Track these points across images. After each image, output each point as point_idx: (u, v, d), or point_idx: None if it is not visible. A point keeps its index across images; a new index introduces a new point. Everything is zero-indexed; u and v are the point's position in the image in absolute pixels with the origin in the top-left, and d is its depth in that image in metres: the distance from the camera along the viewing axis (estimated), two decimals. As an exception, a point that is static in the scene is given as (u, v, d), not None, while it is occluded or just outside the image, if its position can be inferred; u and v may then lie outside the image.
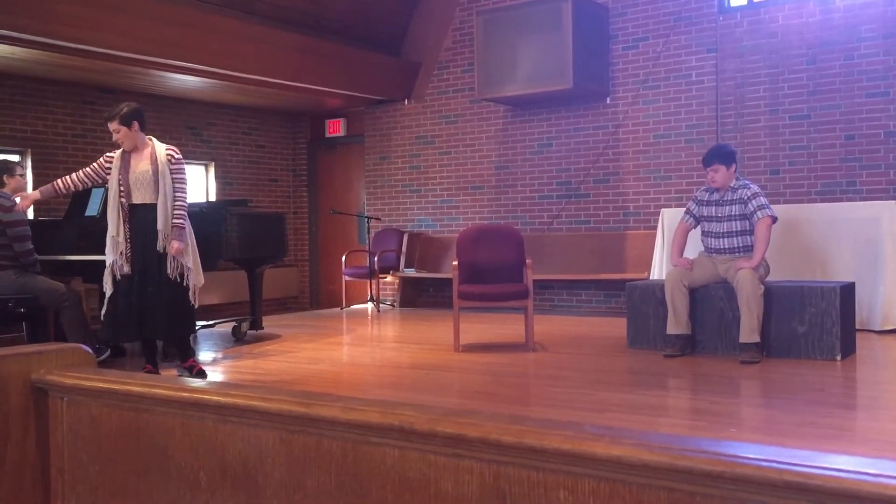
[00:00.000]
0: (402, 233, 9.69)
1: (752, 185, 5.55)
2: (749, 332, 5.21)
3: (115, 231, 4.86)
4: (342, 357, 6.24)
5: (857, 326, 5.75)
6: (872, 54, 7.07)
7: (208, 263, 6.05)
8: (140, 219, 4.91)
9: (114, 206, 4.91)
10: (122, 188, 4.90)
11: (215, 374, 5.46)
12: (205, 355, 6.18)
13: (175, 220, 4.88)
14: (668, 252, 7.10)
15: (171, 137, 9.49)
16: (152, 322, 4.91)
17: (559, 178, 8.73)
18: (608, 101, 8.39)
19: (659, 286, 5.82)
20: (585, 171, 8.54)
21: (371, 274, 9.12)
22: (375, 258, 9.07)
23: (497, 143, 9.14)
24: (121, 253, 4.84)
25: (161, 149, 5.01)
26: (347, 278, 9.46)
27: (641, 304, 5.87)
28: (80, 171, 5.14)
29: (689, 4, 7.91)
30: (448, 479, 1.28)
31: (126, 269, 4.85)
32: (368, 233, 9.46)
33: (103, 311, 4.92)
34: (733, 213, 5.49)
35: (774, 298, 5.37)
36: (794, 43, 7.41)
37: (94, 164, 5.10)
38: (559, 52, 7.91)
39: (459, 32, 9.38)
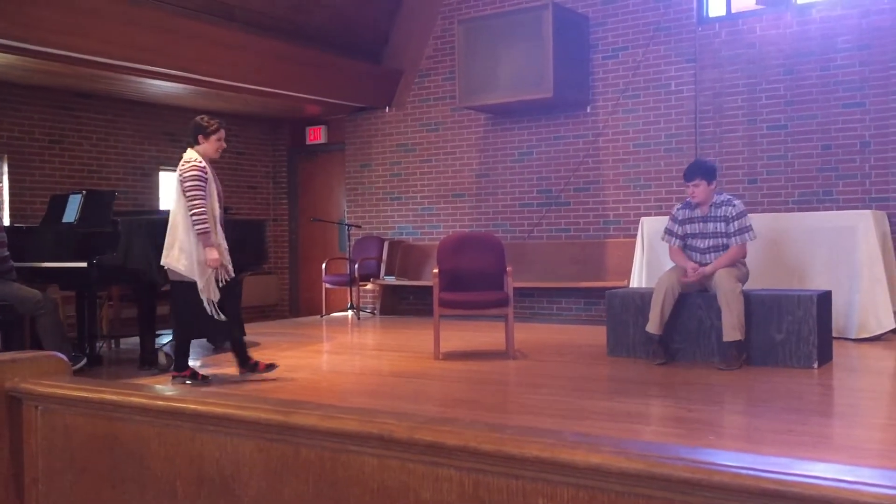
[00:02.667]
0: (383, 240, 9.67)
1: (736, 203, 5.57)
2: (731, 329, 5.25)
3: (221, 239, 4.99)
4: (322, 365, 6.21)
5: (834, 334, 5.80)
6: (848, 65, 7.16)
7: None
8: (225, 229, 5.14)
9: (213, 217, 4.92)
10: (219, 199, 5.03)
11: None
12: (183, 363, 6.12)
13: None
14: (648, 260, 7.15)
15: (149, 143, 9.44)
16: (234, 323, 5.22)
17: (540, 187, 8.76)
18: (588, 110, 8.44)
19: (639, 294, 5.84)
20: (566, 179, 8.57)
21: (351, 281, 9.09)
22: (356, 266, 9.04)
23: (478, 151, 9.16)
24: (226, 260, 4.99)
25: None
26: (327, 286, 9.43)
27: (621, 312, 5.89)
28: (201, 196, 4.84)
29: (669, 15, 7.97)
30: (427, 488, 1.28)
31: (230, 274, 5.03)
32: (349, 240, 9.44)
33: (209, 315, 4.93)
34: (718, 231, 5.53)
35: (753, 306, 5.41)
36: (772, 54, 7.49)
37: (199, 181, 4.87)
38: (540, 61, 7.94)
39: (441, 41, 9.40)
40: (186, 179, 4.85)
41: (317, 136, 10.58)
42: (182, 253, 4.89)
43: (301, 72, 8.69)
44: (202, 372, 5.34)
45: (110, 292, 7.07)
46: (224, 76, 8.04)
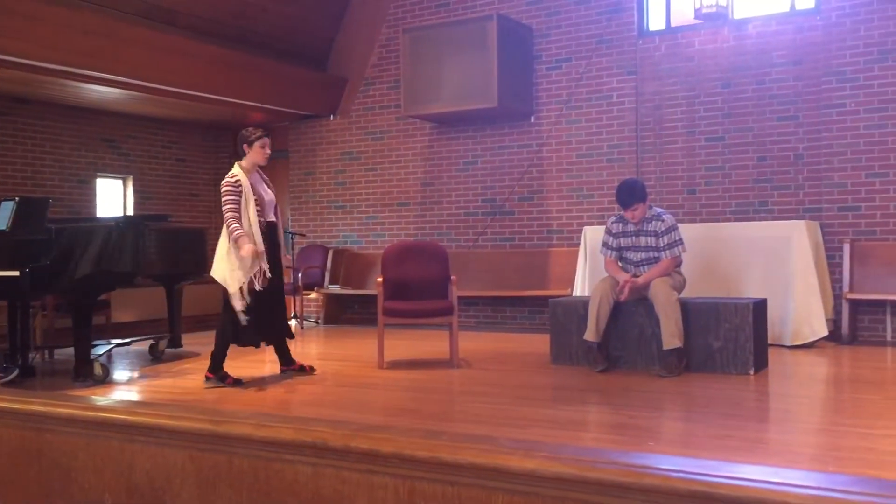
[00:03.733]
0: (327, 249, 9.60)
1: (666, 217, 5.67)
2: (670, 337, 5.34)
3: (262, 246, 5.20)
4: (264, 375, 6.12)
5: (770, 341, 5.94)
6: (783, 79, 7.37)
7: (126, 280, 5.88)
8: (268, 235, 5.33)
9: (255, 223, 5.19)
10: (258, 206, 5.25)
11: (130, 394, 5.28)
12: (120, 374, 5.98)
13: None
14: (590, 269, 7.23)
15: (86, 150, 9.22)
16: (281, 324, 5.54)
17: (484, 196, 8.80)
18: (532, 121, 8.52)
19: (581, 303, 5.90)
20: (510, 188, 8.63)
21: (295, 290, 8.99)
22: (300, 274, 8.95)
23: (423, 160, 9.17)
24: (260, 266, 5.20)
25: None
26: (271, 295, 9.30)
27: (564, 320, 5.95)
28: (233, 209, 5.16)
29: (611, 28, 8.10)
30: (362, 496, 1.26)
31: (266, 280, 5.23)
32: (293, 249, 9.34)
33: (242, 319, 5.15)
34: (649, 245, 5.65)
35: (691, 314, 5.51)
36: (710, 67, 7.67)
37: (231, 195, 5.19)
38: (484, 71, 7.99)
39: (386, 49, 9.40)
40: (222, 196, 5.25)
41: (260, 143, 10.45)
42: (218, 262, 5.23)
43: (244, 78, 8.59)
44: (237, 375, 5.48)
45: (44, 302, 6.87)
46: (166, 82, 7.90)
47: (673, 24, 7.98)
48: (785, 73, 7.36)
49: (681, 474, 0.95)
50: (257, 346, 5.58)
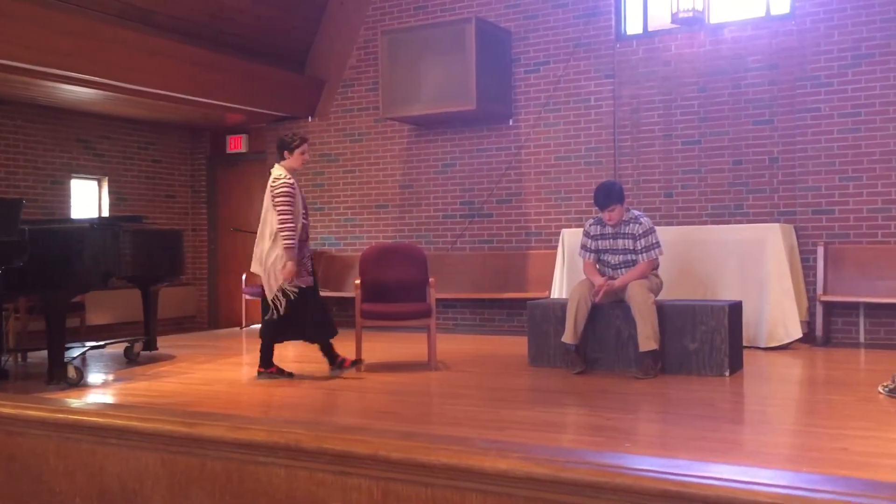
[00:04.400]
0: (305, 251, 9.55)
1: (643, 220, 5.71)
2: (645, 339, 5.37)
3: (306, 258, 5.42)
4: (241, 378, 6.08)
5: (745, 343, 6.00)
6: (758, 84, 7.44)
7: (100, 282, 5.83)
8: (306, 237, 5.52)
9: (298, 227, 5.36)
10: (304, 210, 5.42)
11: (104, 397, 5.23)
12: (94, 377, 5.92)
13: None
14: (568, 271, 7.26)
15: (61, 151, 9.13)
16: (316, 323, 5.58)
17: (463, 198, 8.81)
18: (511, 123, 8.54)
19: (559, 305, 5.92)
20: (488, 191, 8.65)
21: (272, 293, 8.94)
22: (277, 277, 8.90)
23: (401, 163, 9.16)
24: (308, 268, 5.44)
25: None
26: (248, 297, 9.25)
27: (542, 322, 5.96)
28: (289, 210, 5.28)
29: (588, 31, 8.14)
30: (337, 498, 1.25)
31: (311, 281, 5.45)
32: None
33: (290, 318, 5.36)
34: (627, 247, 5.68)
35: (667, 317, 5.54)
36: (687, 71, 7.72)
37: (289, 196, 5.31)
38: (463, 74, 8.00)
39: (364, 51, 9.39)
40: (278, 196, 5.29)
41: (237, 145, 10.41)
42: (259, 263, 5.37)
43: (222, 80, 8.54)
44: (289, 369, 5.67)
45: (17, 304, 6.78)
46: (142, 83, 7.83)
47: (650, 29, 8.03)
48: (760, 77, 7.43)
49: (652, 474, 0.96)
50: (292, 339, 5.73)
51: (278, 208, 5.27)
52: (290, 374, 5.62)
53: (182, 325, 10.15)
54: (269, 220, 5.36)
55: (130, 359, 6.56)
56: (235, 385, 5.61)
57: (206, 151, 10.71)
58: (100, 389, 5.43)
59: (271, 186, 5.37)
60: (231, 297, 10.31)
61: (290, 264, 5.25)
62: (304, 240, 5.47)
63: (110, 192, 9.70)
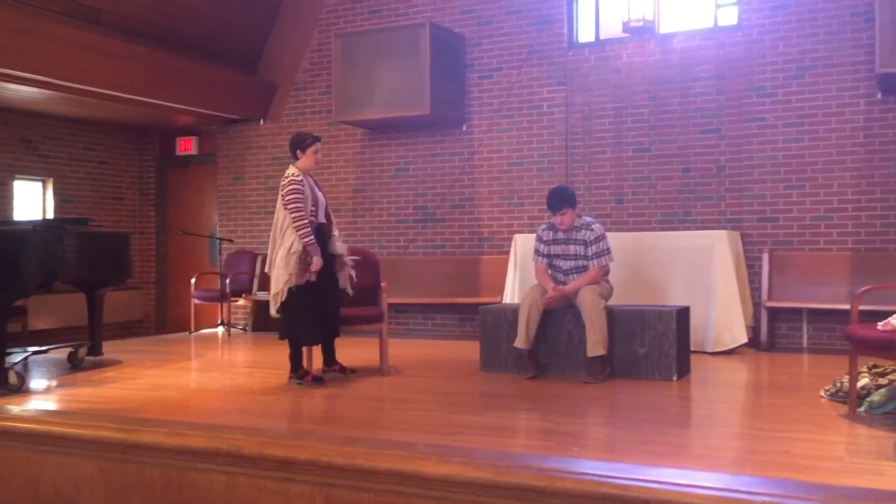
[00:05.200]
0: (256, 255, 9.45)
1: (595, 227, 5.76)
2: (594, 344, 5.42)
3: (299, 247, 5.29)
4: (189, 383, 5.99)
5: (692, 348, 6.08)
6: (706, 93, 7.58)
7: (43, 285, 5.69)
8: (322, 236, 5.47)
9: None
10: (314, 208, 5.40)
11: (47, 404, 5.09)
12: (36, 383, 5.76)
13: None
14: (521, 277, 7.30)
15: (3, 151, 8.89)
16: (334, 324, 5.59)
17: (416, 203, 8.80)
18: (464, 128, 8.56)
19: (511, 310, 5.94)
20: (442, 196, 8.65)
21: (222, 297, 8.84)
22: (227, 281, 8.80)
23: (355, 167, 9.12)
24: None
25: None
26: (197, 301, 9.12)
27: (494, 327, 5.98)
28: (300, 207, 5.30)
29: (541, 39, 8.21)
30: (278, 505, 1.23)
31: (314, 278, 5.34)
32: (220, 254, 9.19)
33: (311, 319, 5.39)
34: (578, 253, 5.73)
35: (617, 321, 5.60)
36: (637, 80, 7.83)
37: (298, 193, 5.32)
38: (417, 78, 8.01)
39: (318, 54, 9.33)
40: (286, 194, 5.33)
41: (188, 146, 10.26)
42: (273, 265, 5.39)
43: (171, 80, 8.41)
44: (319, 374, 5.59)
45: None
46: (88, 82, 7.67)
47: (602, 37, 8.13)
48: (708, 86, 7.57)
49: (593, 478, 0.96)
50: (318, 343, 5.65)
51: (288, 206, 5.31)
52: (320, 380, 5.49)
53: (129, 329, 9.96)
54: (279, 218, 5.42)
55: (74, 364, 6.41)
56: (184, 391, 5.52)
57: (155, 153, 10.54)
58: (42, 395, 5.29)
59: (281, 185, 5.43)
60: (180, 302, 10.15)
61: (316, 259, 5.28)
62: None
63: (55, 194, 9.48)
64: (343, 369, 5.74)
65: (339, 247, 5.66)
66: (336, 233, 5.71)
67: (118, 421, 1.41)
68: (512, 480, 0.97)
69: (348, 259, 5.72)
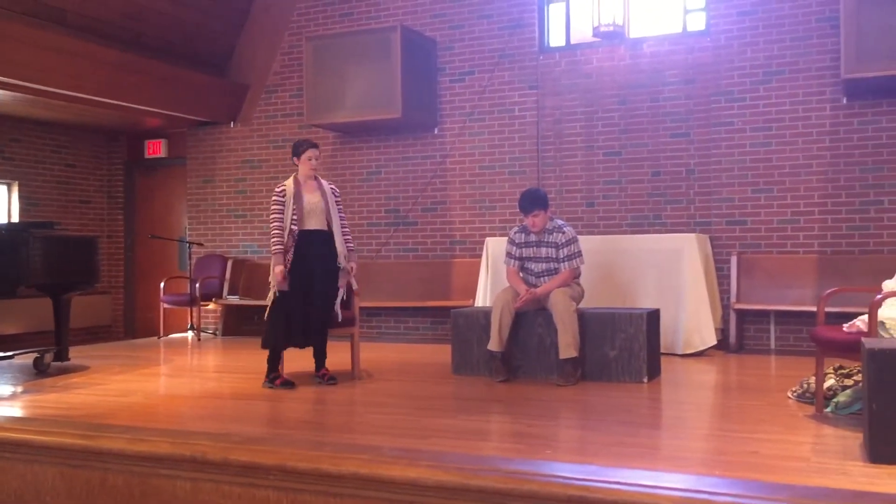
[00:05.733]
0: (227, 259, 9.38)
1: (567, 230, 5.79)
2: (566, 347, 5.44)
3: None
4: (158, 389, 5.92)
5: (662, 350, 6.13)
6: (675, 97, 7.65)
7: (8, 289, 5.60)
8: (308, 242, 5.47)
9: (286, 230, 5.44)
10: (295, 216, 5.42)
11: (12, 410, 5.00)
12: (1, 389, 5.66)
13: (350, 245, 5.67)
14: (492, 280, 7.31)
15: (-33, 153, 8.73)
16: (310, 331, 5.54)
17: (388, 206, 8.78)
18: (436, 132, 8.56)
19: (483, 313, 5.95)
20: (414, 199, 8.64)
21: (192, 301, 8.75)
22: (197, 285, 8.72)
23: (326, 170, 9.07)
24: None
25: (325, 183, 5.69)
26: (166, 306, 9.02)
27: (466, 330, 5.98)
28: (276, 218, 5.44)
29: (513, 43, 8.24)
30: (244, 511, 1.22)
31: (285, 286, 5.39)
32: (190, 258, 9.10)
33: (270, 323, 5.48)
34: (550, 256, 5.76)
35: (588, 324, 5.63)
36: (607, 84, 7.89)
37: (276, 204, 5.46)
38: (388, 82, 7.99)
39: (288, 57, 9.28)
40: (270, 204, 5.54)
41: (156, 149, 10.16)
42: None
43: (139, 82, 8.31)
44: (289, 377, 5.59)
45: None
46: (53, 84, 7.56)
47: (572, 42, 8.18)
48: (677, 91, 7.64)
49: (560, 480, 0.96)
50: (285, 347, 5.61)
51: (342, 215, 5.64)
52: (290, 384, 5.50)
53: (97, 334, 9.82)
54: (336, 217, 5.63)
55: (40, 370, 6.31)
56: (152, 397, 5.45)
57: (123, 156, 10.41)
58: (6, 402, 5.20)
59: (335, 191, 5.69)
60: (149, 306, 10.03)
61: (277, 269, 5.36)
62: (290, 246, 5.42)
63: (20, 197, 9.33)
64: (324, 376, 5.66)
65: (342, 258, 5.56)
66: (340, 242, 5.57)
67: (80, 427, 1.39)
68: (480, 483, 0.97)
69: (350, 269, 5.62)
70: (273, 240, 5.43)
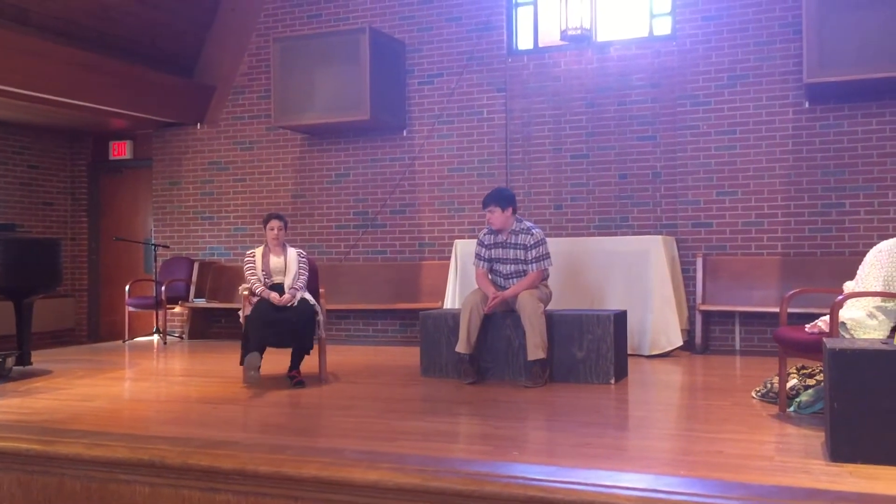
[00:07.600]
0: (193, 261, 9.29)
1: (535, 232, 5.80)
2: (534, 348, 5.46)
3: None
4: (123, 393, 5.84)
5: (629, 352, 6.18)
6: (642, 101, 7.72)
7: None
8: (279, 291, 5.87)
9: (262, 277, 5.92)
10: (264, 273, 5.90)
11: (-30, 416, 4.90)
12: (-41, 395, 5.55)
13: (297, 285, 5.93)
14: (461, 282, 7.31)
15: (-74, 153, 8.55)
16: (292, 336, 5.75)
17: (356, 209, 8.75)
18: (405, 134, 8.56)
19: (451, 315, 5.95)
20: (382, 201, 8.63)
21: (158, 304, 8.65)
22: (163, 288, 8.62)
23: (294, 172, 9.04)
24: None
25: (293, 250, 6.05)
26: (131, 309, 8.91)
27: (434, 332, 5.98)
28: (252, 273, 5.92)
29: (481, 45, 8.26)
30: (204, 516, 1.21)
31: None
32: (156, 261, 9.00)
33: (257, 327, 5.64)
34: (518, 257, 5.77)
35: (556, 326, 5.66)
36: (575, 87, 7.94)
37: (247, 264, 6.00)
38: (357, 84, 7.97)
39: (256, 58, 9.22)
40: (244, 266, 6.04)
41: (122, 151, 10.03)
42: None
43: (104, 83, 8.20)
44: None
45: None
46: (16, 84, 7.43)
47: (540, 45, 8.22)
48: (644, 94, 7.71)
49: (520, 481, 0.96)
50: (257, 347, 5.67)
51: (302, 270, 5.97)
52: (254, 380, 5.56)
53: (60, 338, 9.67)
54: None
55: (2, 374, 6.18)
56: (116, 401, 5.37)
57: (87, 157, 10.27)
58: (-35, 408, 5.10)
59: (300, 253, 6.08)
60: (113, 309, 9.89)
61: (273, 295, 5.73)
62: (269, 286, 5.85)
63: (-19, 199, 9.16)
64: (293, 378, 5.65)
65: (288, 293, 5.81)
66: (290, 281, 5.88)
67: (36, 432, 1.36)
68: (440, 485, 0.97)
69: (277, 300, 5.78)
70: (255, 286, 5.80)
